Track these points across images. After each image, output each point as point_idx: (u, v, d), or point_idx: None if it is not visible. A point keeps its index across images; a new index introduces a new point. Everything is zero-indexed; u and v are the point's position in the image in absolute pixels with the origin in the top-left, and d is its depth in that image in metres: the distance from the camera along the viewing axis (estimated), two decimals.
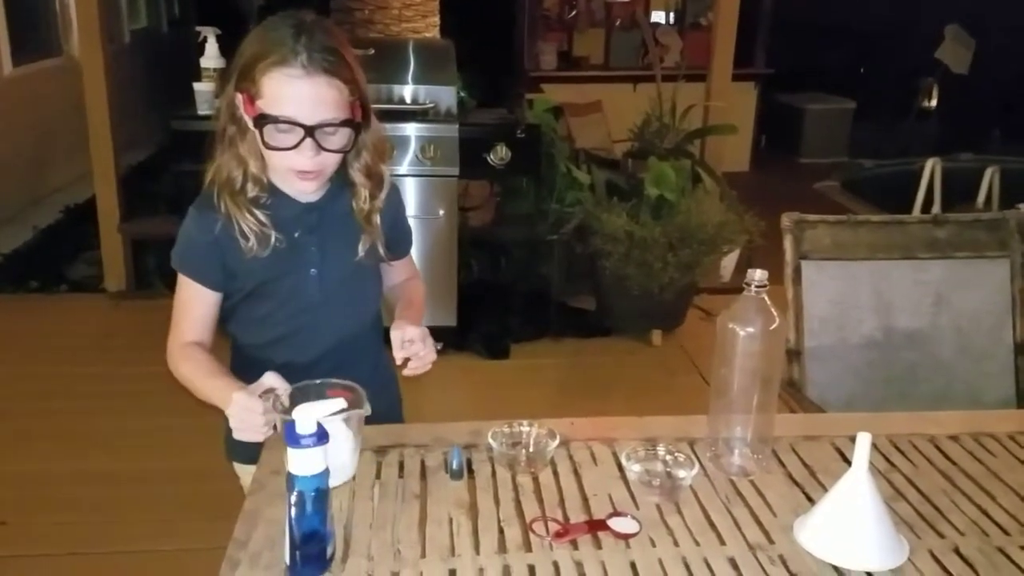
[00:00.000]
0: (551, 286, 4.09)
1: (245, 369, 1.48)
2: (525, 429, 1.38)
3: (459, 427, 1.45)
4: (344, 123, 1.33)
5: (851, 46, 8.67)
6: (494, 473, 1.33)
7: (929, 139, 7.91)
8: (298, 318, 1.49)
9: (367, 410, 1.23)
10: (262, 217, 1.38)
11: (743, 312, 1.28)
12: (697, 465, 1.29)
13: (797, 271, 2.00)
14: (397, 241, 1.57)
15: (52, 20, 6.39)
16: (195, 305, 1.46)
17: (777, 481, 1.33)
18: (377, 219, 1.47)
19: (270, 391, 1.28)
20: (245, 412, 1.27)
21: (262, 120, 1.30)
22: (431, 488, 1.29)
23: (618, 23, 7.72)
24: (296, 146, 1.30)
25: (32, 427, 3.10)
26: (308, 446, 1.07)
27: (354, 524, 1.21)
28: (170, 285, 4.66)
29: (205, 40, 3.69)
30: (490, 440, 1.33)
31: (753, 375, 1.30)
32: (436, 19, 5.12)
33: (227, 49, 3.79)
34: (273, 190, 1.41)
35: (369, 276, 1.55)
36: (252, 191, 1.38)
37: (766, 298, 1.28)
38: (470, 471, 1.34)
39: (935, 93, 8.93)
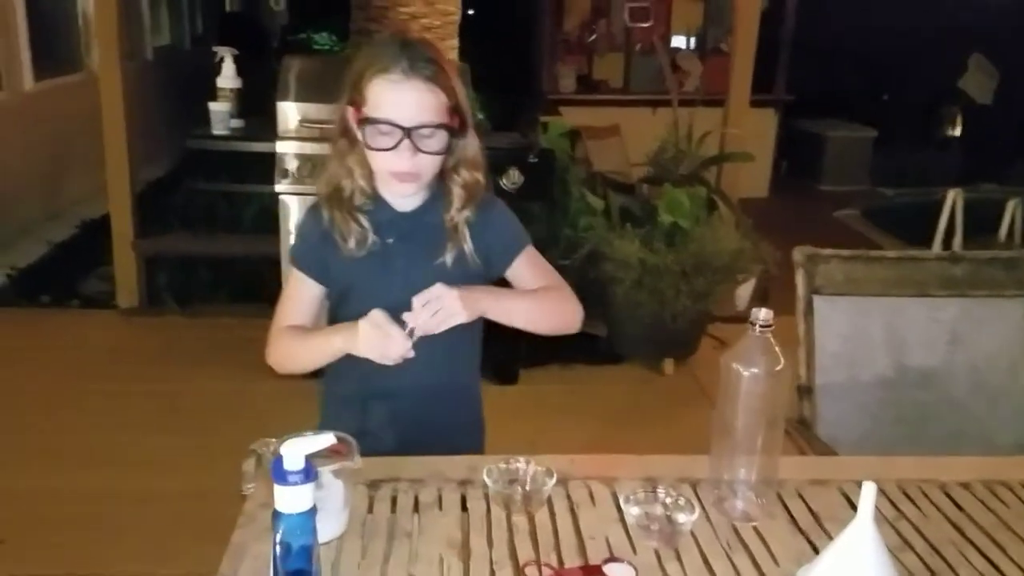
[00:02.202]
0: None
1: (336, 382, 1.58)
2: (522, 466, 1.34)
3: (455, 461, 1.42)
4: (440, 126, 1.39)
5: (873, 73, 8.62)
6: (489, 511, 1.30)
7: (951, 168, 7.83)
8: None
9: (358, 463, 1.20)
10: (364, 222, 1.47)
11: (747, 352, 1.25)
12: (698, 509, 1.25)
13: (809, 306, 1.96)
14: (499, 252, 1.54)
15: (75, 36, 6.46)
16: (299, 296, 1.54)
17: (781, 528, 1.28)
18: (465, 230, 1.49)
19: (264, 444, 1.26)
20: (378, 331, 1.35)
21: (364, 123, 1.39)
22: (424, 525, 1.26)
23: (638, 47, 7.72)
24: (395, 147, 1.38)
25: (36, 443, 3.09)
26: (295, 483, 1.05)
27: (342, 562, 1.18)
28: (181, 303, 4.65)
29: (222, 60, 3.72)
30: (485, 478, 1.30)
31: (757, 416, 1.27)
32: (455, 41, 5.12)
33: (245, 69, 3.82)
34: (375, 196, 1.48)
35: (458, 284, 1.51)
36: (358, 200, 1.47)
37: (771, 338, 1.25)
38: (464, 508, 1.30)
39: (958, 122, 8.86)
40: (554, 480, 1.30)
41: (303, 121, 3.39)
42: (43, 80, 5.86)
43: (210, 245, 4.52)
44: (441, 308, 1.35)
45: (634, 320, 3.70)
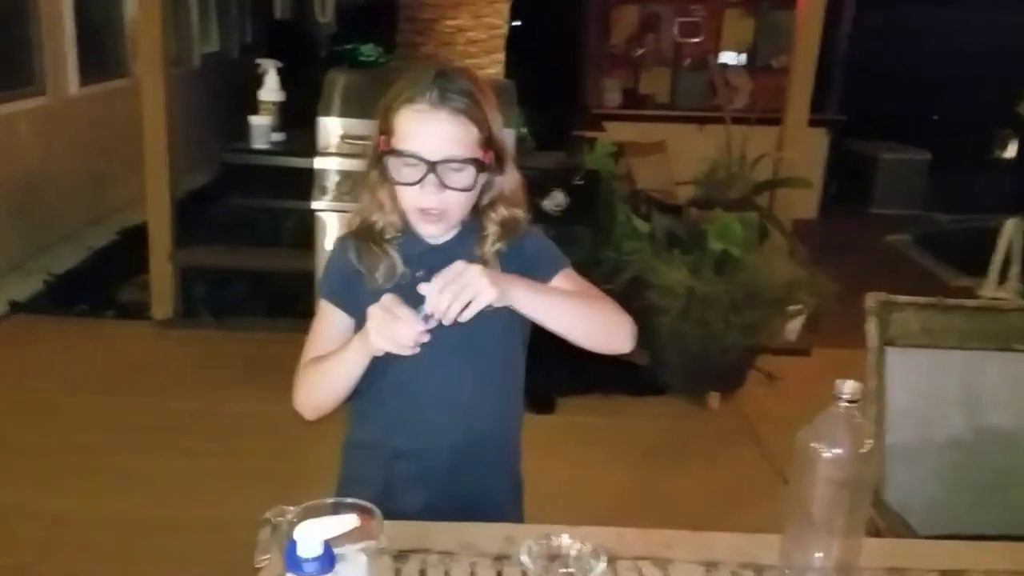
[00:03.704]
0: None
1: (357, 428, 1.49)
2: (566, 543, 1.20)
3: (491, 531, 1.29)
4: (469, 161, 1.30)
5: (928, 95, 8.40)
6: None
7: (1007, 194, 7.58)
8: (415, 359, 1.30)
9: (383, 543, 1.07)
10: (394, 254, 1.38)
11: (829, 430, 1.10)
12: None
13: (881, 358, 1.80)
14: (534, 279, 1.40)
15: (121, 41, 6.46)
16: (327, 329, 1.44)
17: None
18: (496, 262, 1.37)
19: (280, 513, 1.13)
20: (387, 315, 1.22)
21: (389, 154, 1.31)
22: None
23: (687, 63, 7.58)
24: (419, 181, 1.30)
25: (61, 462, 3.01)
26: (311, 573, 0.92)
27: None
28: (216, 315, 4.55)
29: (266, 72, 3.64)
30: (523, 557, 1.16)
31: (838, 502, 1.12)
32: (501, 55, 5.02)
33: (292, 79, 3.73)
34: (406, 228, 1.40)
35: (495, 329, 1.38)
36: (389, 234, 1.40)
37: (858, 414, 1.10)
38: None
39: (1015, 146, 8.59)
40: (603, 565, 1.16)
41: (344, 137, 3.29)
42: (88, 85, 5.85)
43: (247, 258, 4.45)
44: (465, 288, 1.19)
45: (679, 351, 3.54)
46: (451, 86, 1.29)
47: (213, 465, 3.00)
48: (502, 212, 1.39)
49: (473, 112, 1.30)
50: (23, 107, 5.12)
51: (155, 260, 4.25)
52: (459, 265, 1.20)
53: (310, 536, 0.93)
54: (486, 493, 1.45)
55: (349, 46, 6.82)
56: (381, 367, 1.36)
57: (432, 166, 1.28)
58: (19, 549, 2.54)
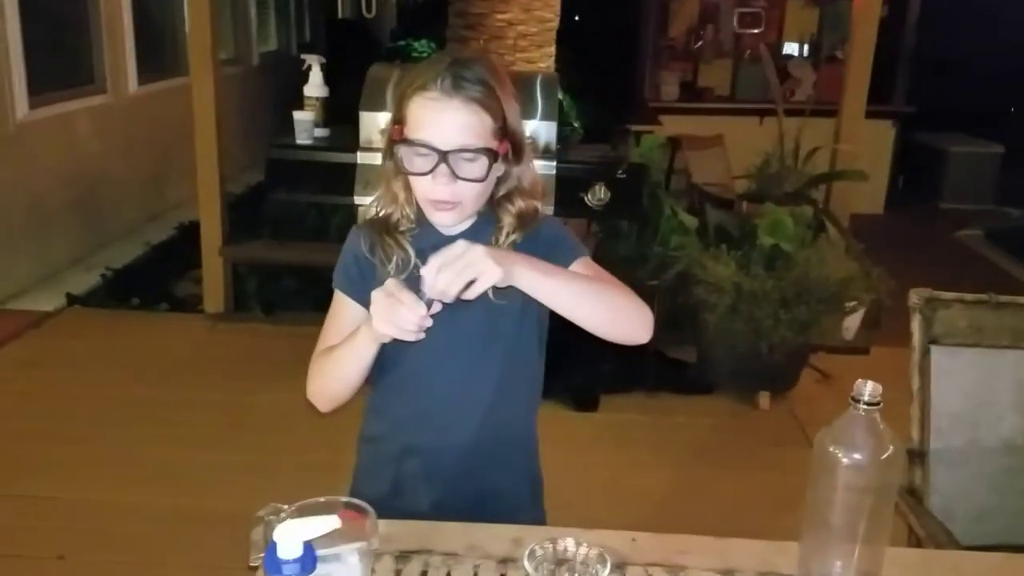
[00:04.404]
0: None
1: (371, 422, 1.46)
2: (571, 548, 1.15)
3: (498, 532, 1.25)
4: (482, 151, 1.26)
5: (1000, 85, 8.05)
6: None
7: None
8: (427, 353, 1.30)
9: (375, 544, 1.03)
10: (407, 246, 1.36)
11: (848, 434, 1.03)
12: None
13: (925, 358, 1.70)
14: None
15: (180, 39, 6.58)
16: (341, 319, 1.40)
17: None
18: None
19: (274, 511, 1.10)
20: (389, 299, 1.18)
21: (401, 143, 1.28)
22: None
23: (747, 54, 7.42)
24: (431, 171, 1.26)
25: (106, 454, 3.05)
26: (290, 575, 0.89)
27: None
28: (266, 310, 4.56)
29: (310, 68, 3.64)
30: (525, 563, 1.12)
31: (858, 510, 1.05)
32: (552, 49, 4.97)
33: (351, 76, 3.71)
34: (420, 219, 1.38)
35: (510, 322, 1.36)
36: (403, 225, 1.37)
37: (878, 418, 1.03)
38: None
39: None
40: (608, 569, 1.11)
41: (385, 132, 3.27)
42: (147, 84, 5.97)
43: (295, 253, 4.48)
44: (467, 268, 1.13)
45: (727, 348, 3.44)
46: (465, 74, 1.25)
47: (257, 458, 3.02)
48: (518, 204, 1.35)
49: (488, 101, 1.26)
50: (84, 105, 5.25)
51: (207, 255, 4.31)
52: (460, 245, 1.15)
53: (290, 537, 0.90)
54: (500, 492, 1.41)
55: (403, 42, 6.84)
56: (393, 359, 1.33)
57: (444, 156, 1.24)
58: (56, 538, 2.57)
